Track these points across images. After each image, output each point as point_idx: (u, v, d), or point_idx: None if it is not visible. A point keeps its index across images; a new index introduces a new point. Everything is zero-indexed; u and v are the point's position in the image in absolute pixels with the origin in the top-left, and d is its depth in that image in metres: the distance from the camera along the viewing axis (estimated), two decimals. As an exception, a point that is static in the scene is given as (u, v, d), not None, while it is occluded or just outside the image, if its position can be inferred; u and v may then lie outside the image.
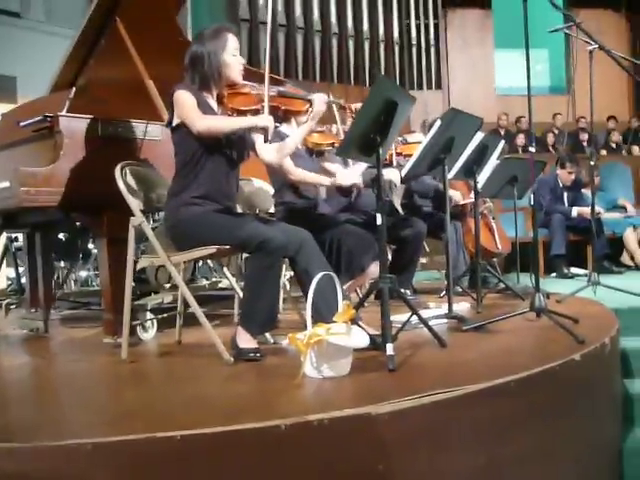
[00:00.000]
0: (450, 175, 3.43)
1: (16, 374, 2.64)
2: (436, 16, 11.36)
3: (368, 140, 2.46)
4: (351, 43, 10.86)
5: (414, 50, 11.26)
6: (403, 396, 1.93)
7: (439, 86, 11.45)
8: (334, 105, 3.23)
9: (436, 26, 11.36)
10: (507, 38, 12.50)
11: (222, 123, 2.67)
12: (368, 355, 2.44)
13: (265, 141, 2.71)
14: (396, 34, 11.15)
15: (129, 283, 2.64)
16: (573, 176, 5.94)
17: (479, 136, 3.47)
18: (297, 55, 10.37)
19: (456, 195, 4.73)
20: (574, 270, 5.77)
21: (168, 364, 2.64)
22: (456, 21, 12.16)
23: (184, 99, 2.63)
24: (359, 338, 2.26)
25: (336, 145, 3.61)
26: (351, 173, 3.33)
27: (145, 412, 1.89)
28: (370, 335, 2.42)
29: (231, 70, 2.73)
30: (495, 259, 4.94)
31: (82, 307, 4.50)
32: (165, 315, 3.05)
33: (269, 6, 3.03)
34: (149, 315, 3.18)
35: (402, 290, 3.17)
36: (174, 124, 2.68)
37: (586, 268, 5.96)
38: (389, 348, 2.32)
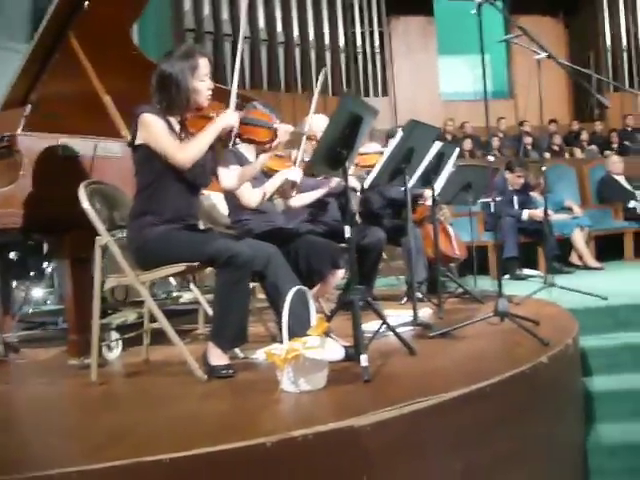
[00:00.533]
0: (409, 184, 3.49)
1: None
2: (380, 24, 11.53)
3: (335, 154, 2.49)
4: (297, 51, 10.91)
5: (360, 58, 11.40)
6: (382, 407, 1.97)
7: (385, 93, 11.61)
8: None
9: (381, 34, 11.53)
10: (449, 44, 12.79)
11: (199, 145, 2.57)
12: (341, 367, 2.46)
13: (228, 142, 2.64)
14: (342, 42, 11.26)
15: (97, 303, 2.60)
16: (522, 180, 6.10)
17: (437, 145, 3.53)
18: (244, 64, 10.36)
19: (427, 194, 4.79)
20: (527, 271, 5.92)
21: (140, 384, 2.60)
22: (400, 28, 12.35)
23: (155, 126, 2.56)
24: (335, 351, 2.28)
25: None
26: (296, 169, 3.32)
27: (128, 436, 1.86)
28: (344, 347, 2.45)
29: (199, 96, 2.65)
30: (453, 264, 5.04)
31: (38, 327, 4.39)
32: (133, 334, 3.01)
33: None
34: (115, 335, 3.13)
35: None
36: (136, 144, 2.63)
37: (538, 269, 6.14)
38: (363, 359, 2.35)
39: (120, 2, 3.61)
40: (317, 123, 3.86)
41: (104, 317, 3.42)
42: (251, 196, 3.22)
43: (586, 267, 6.34)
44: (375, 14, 11.46)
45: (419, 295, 4.44)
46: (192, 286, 3.06)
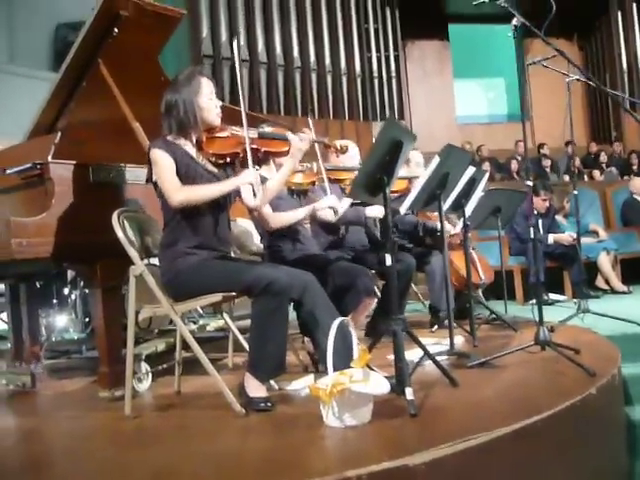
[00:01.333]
0: (444, 208, 3.42)
1: (13, 438, 2.50)
2: (396, 48, 11.54)
3: (375, 180, 2.44)
4: (314, 76, 10.94)
5: (376, 82, 11.40)
6: (432, 443, 1.89)
7: (402, 116, 11.59)
8: (316, 144, 3.17)
9: (396, 58, 11.54)
10: (465, 68, 12.82)
11: (201, 193, 2.54)
12: (384, 399, 2.36)
13: (254, 196, 2.62)
14: (358, 67, 11.28)
15: (131, 334, 2.53)
16: (547, 203, 6.02)
17: (470, 170, 3.47)
18: (261, 89, 10.40)
19: (449, 227, 4.72)
20: (553, 296, 5.82)
21: (176, 418, 2.52)
22: (415, 53, 12.40)
23: (161, 161, 2.55)
24: (380, 384, 2.20)
25: (317, 184, 3.60)
26: (327, 198, 3.26)
27: (174, 475, 1.78)
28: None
29: (208, 113, 2.66)
30: (479, 289, 4.94)
31: (62, 356, 4.33)
32: (165, 366, 2.93)
33: (235, 47, 2.98)
34: (145, 366, 3.06)
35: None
36: (153, 180, 2.62)
37: (564, 294, 6.04)
38: (409, 392, 2.27)
39: (148, 28, 3.57)
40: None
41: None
42: (274, 218, 3.16)
43: (613, 291, 6.24)
44: (391, 39, 11.49)
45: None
46: (225, 315, 2.98)
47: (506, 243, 6.13)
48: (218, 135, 2.69)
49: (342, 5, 11.19)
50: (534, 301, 5.74)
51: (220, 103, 2.72)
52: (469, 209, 3.99)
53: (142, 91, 3.51)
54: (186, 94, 2.62)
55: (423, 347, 2.64)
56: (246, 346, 2.99)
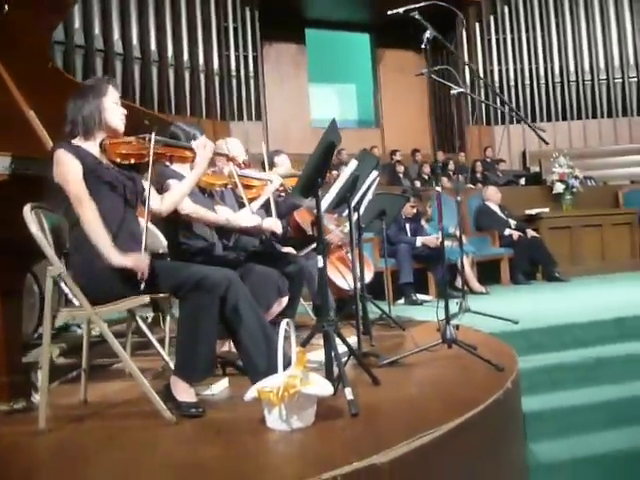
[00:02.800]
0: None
1: None
2: (255, 49, 11.51)
3: (313, 183, 2.44)
4: (171, 72, 10.65)
5: (234, 81, 11.29)
6: (388, 442, 1.92)
7: (259, 117, 11.58)
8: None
9: (255, 58, 11.50)
10: (320, 73, 13.09)
11: (87, 209, 2.44)
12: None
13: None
14: (216, 65, 11.12)
15: (47, 339, 2.32)
16: (415, 210, 6.32)
17: (374, 174, 3.57)
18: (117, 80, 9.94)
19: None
20: (421, 297, 6.10)
21: (98, 430, 2.32)
22: (272, 54, 12.46)
23: (67, 167, 2.47)
24: (325, 385, 2.20)
25: (229, 186, 3.57)
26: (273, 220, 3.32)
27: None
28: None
29: (112, 116, 2.62)
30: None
31: None
32: (74, 374, 2.72)
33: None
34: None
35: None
36: (56, 181, 2.49)
37: (428, 294, 6.36)
38: (348, 392, 2.29)
39: (39, 9, 3.30)
40: (233, 147, 3.87)
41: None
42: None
43: (471, 292, 6.65)
44: (250, 39, 11.43)
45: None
46: (138, 319, 2.81)
47: (376, 245, 6.34)
48: (122, 140, 2.64)
49: (201, 1, 10.99)
50: (402, 301, 6.04)
51: (125, 111, 2.66)
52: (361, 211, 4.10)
53: (33, 79, 3.26)
54: (91, 97, 2.58)
55: (350, 347, 2.67)
56: (159, 349, 2.87)
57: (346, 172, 2.96)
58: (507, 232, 7.45)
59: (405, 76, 13.18)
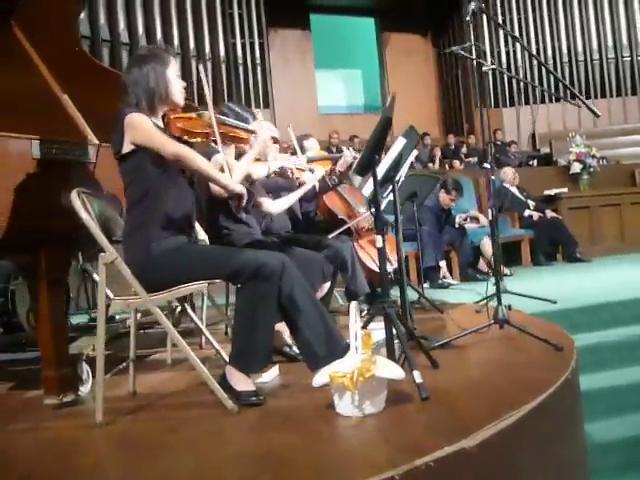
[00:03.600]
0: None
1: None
2: (261, 35, 11.37)
3: (372, 159, 2.36)
4: (178, 61, 10.50)
5: (240, 69, 11.17)
6: (469, 425, 1.85)
7: (267, 105, 11.46)
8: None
9: (261, 45, 11.36)
10: (326, 59, 12.96)
11: (196, 158, 2.38)
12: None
13: (237, 213, 2.50)
14: (222, 52, 10.99)
15: (102, 330, 2.23)
16: (454, 203, 6.23)
17: (414, 153, 3.47)
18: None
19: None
20: (447, 280, 6.02)
21: (155, 421, 2.23)
22: (277, 41, 12.33)
23: (143, 122, 2.34)
24: (396, 369, 2.11)
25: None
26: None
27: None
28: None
29: (175, 89, 2.48)
30: (390, 275, 4.95)
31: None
32: (124, 365, 2.64)
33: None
34: (86, 367, 2.73)
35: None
36: (125, 151, 2.36)
37: (452, 277, 6.27)
38: (417, 375, 2.21)
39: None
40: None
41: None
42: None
43: (495, 274, 6.56)
44: (255, 25, 11.29)
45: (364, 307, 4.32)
46: (187, 307, 2.72)
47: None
48: (183, 115, 2.51)
49: (206, -12, 10.86)
50: (427, 285, 5.94)
51: (184, 84, 2.53)
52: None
53: (63, 62, 3.16)
54: (155, 66, 2.42)
55: (410, 330, 2.58)
56: (210, 337, 2.78)
57: (394, 150, 2.87)
58: (527, 213, 7.38)
59: (411, 59, 13.08)
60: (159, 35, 10.31)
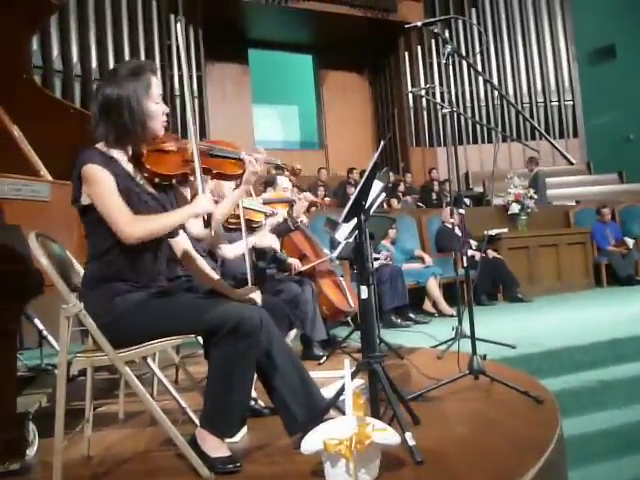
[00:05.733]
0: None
1: None
2: (199, 68, 11.20)
3: (360, 206, 2.23)
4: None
5: (177, 101, 10.94)
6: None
7: (202, 138, 11.22)
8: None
9: (199, 78, 11.20)
10: (263, 94, 12.91)
11: (161, 224, 2.11)
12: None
13: (206, 227, 2.20)
14: (159, 84, 10.75)
15: (62, 392, 1.99)
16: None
17: (382, 196, 3.37)
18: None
19: (295, 262, 4.48)
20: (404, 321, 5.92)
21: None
22: (215, 74, 12.18)
23: (103, 183, 2.05)
24: (392, 433, 1.96)
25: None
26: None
27: None
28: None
29: (155, 122, 2.16)
30: (348, 317, 4.82)
31: None
32: (79, 428, 2.37)
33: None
34: (32, 427, 2.45)
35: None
36: (84, 203, 2.10)
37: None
38: (409, 438, 2.06)
39: (19, 10, 2.96)
40: None
41: None
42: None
43: (440, 314, 6.54)
44: (194, 58, 11.12)
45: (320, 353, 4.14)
46: (149, 361, 2.48)
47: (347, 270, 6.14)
48: (161, 148, 2.20)
49: (144, 19, 10.64)
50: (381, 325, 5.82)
51: (167, 109, 2.23)
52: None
53: (10, 87, 2.92)
54: (132, 92, 2.09)
55: (393, 384, 2.43)
56: (171, 388, 2.54)
57: (373, 194, 2.75)
58: (469, 253, 7.40)
59: (348, 97, 13.19)
60: (94, 64, 10.01)
